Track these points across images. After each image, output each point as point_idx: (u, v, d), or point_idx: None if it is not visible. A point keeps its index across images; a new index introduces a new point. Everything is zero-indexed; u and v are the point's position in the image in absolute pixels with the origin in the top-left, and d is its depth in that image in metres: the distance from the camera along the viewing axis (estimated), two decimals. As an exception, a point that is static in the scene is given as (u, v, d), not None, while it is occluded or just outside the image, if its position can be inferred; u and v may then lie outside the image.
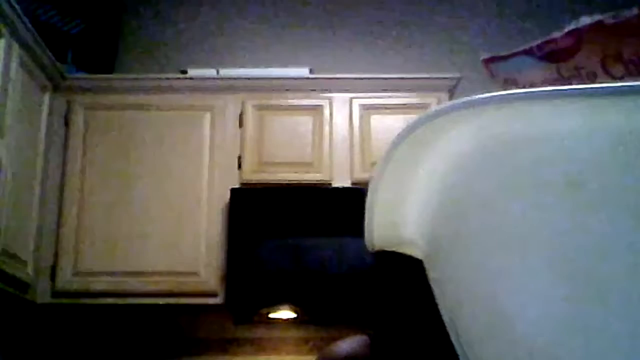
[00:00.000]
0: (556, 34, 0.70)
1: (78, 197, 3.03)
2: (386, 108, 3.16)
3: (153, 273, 2.95)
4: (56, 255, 2.97)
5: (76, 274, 2.96)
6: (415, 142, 0.60)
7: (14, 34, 2.68)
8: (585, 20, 0.69)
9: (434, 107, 0.74)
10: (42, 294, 2.93)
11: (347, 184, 3.07)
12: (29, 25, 2.77)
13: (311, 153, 3.12)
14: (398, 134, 0.61)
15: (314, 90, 3.22)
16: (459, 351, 0.63)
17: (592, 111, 0.54)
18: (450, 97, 3.18)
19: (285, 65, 3.45)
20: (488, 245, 0.59)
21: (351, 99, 3.19)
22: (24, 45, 2.77)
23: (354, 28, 3.72)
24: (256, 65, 3.48)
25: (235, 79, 3.23)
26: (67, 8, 3.34)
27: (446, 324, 0.64)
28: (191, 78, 3.27)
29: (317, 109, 3.18)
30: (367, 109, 3.18)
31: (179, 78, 3.29)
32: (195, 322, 3.21)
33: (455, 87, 3.20)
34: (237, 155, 3.11)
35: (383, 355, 1.20)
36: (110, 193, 3.04)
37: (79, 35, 3.37)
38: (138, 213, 3.01)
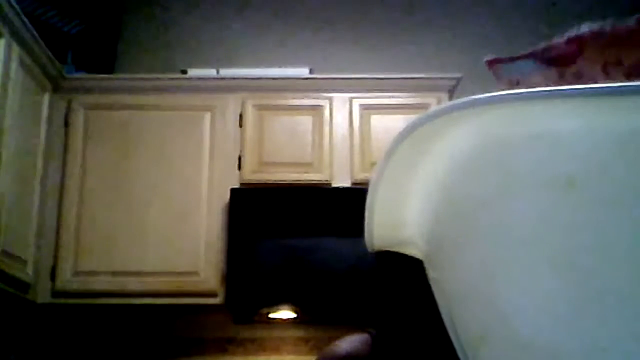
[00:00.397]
0: (558, 40, 0.71)
1: (78, 197, 3.03)
2: (386, 108, 3.16)
3: (153, 273, 2.96)
4: (56, 255, 2.97)
5: (76, 274, 2.96)
6: (415, 142, 0.60)
7: (14, 34, 2.68)
8: (586, 27, 0.70)
9: (434, 107, 0.75)
10: (42, 294, 2.93)
11: (347, 184, 3.07)
12: (29, 25, 2.77)
13: (311, 153, 3.12)
14: (398, 134, 0.61)
15: (314, 90, 3.22)
16: (459, 351, 0.63)
17: (592, 111, 0.54)
18: (450, 97, 3.18)
19: (285, 65, 3.45)
20: (488, 245, 0.59)
21: (351, 99, 3.19)
22: (24, 45, 2.77)
23: (354, 28, 3.72)
24: (256, 65, 3.48)
25: (235, 79, 3.23)
26: (67, 8, 3.34)
27: (446, 324, 0.64)
28: (191, 78, 3.27)
29: (317, 109, 3.18)
30: (367, 109, 3.18)
31: (179, 78, 3.29)
32: (195, 322, 3.21)
33: (455, 87, 3.20)
34: (237, 155, 3.11)
35: (383, 354, 1.20)
36: (110, 193, 3.04)
37: (78, 35, 3.37)
38: (138, 213, 3.01)
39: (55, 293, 2.94)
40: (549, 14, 3.72)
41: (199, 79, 3.26)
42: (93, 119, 3.13)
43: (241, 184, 3.07)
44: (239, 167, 3.10)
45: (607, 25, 0.69)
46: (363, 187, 0.69)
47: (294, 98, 3.20)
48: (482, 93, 0.57)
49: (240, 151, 3.11)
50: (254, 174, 3.09)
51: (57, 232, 2.99)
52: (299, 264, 2.90)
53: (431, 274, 0.66)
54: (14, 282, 2.70)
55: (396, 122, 2.96)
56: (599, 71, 0.66)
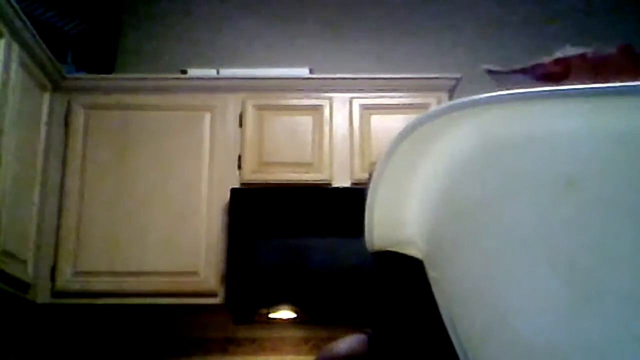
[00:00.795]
0: (546, 59, 0.73)
1: (78, 197, 3.03)
2: (386, 108, 3.16)
3: (153, 273, 2.95)
4: (56, 255, 2.97)
5: (76, 274, 2.96)
6: (415, 142, 0.60)
7: (14, 34, 2.68)
8: (570, 50, 0.71)
9: (434, 107, 0.75)
10: (42, 294, 2.93)
11: (347, 184, 3.07)
12: (29, 25, 2.77)
13: (311, 153, 3.12)
14: (398, 134, 0.61)
15: (314, 90, 3.22)
16: (459, 351, 0.63)
17: (592, 111, 0.54)
18: (450, 97, 3.18)
19: (285, 65, 3.45)
20: (488, 245, 0.59)
21: (351, 99, 3.19)
22: (24, 45, 2.77)
23: (354, 28, 3.72)
24: (256, 65, 3.48)
25: (235, 79, 3.23)
26: (67, 8, 3.34)
27: (446, 324, 0.64)
28: (191, 78, 3.27)
29: (317, 109, 3.18)
30: (367, 109, 3.18)
31: (179, 78, 3.29)
32: (195, 322, 3.21)
33: (455, 87, 3.20)
34: (237, 155, 3.11)
35: (381, 354, 1.21)
36: (110, 193, 3.04)
37: (78, 35, 3.37)
38: (138, 213, 3.01)
39: (55, 293, 2.94)
40: (550, 14, 3.72)
41: (199, 79, 3.26)
42: (93, 119, 3.13)
43: (241, 184, 3.07)
44: (239, 167, 3.10)
45: (590, 52, 0.71)
46: (363, 187, 0.69)
47: (294, 98, 3.20)
48: (482, 93, 0.57)
49: (240, 151, 3.11)
50: (254, 174, 3.09)
51: (57, 232, 2.99)
52: (299, 264, 2.90)
53: (431, 274, 0.66)
54: (14, 282, 2.70)
55: (396, 122, 2.96)
56: None
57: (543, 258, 0.56)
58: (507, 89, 0.72)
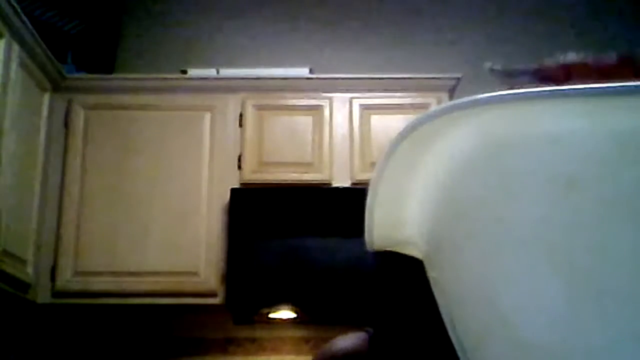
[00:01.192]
0: (548, 62, 0.73)
1: (78, 197, 3.03)
2: (386, 108, 3.16)
3: (153, 273, 2.96)
4: (56, 255, 2.97)
5: (76, 274, 2.96)
6: (415, 142, 0.60)
7: (14, 34, 2.68)
8: (572, 56, 0.72)
9: (434, 107, 0.75)
10: (42, 294, 2.93)
11: (347, 184, 3.07)
12: (29, 25, 2.77)
13: (311, 153, 3.12)
14: (398, 134, 0.61)
15: (314, 90, 3.22)
16: (459, 351, 0.63)
17: (592, 111, 0.54)
18: (450, 97, 3.18)
19: (285, 65, 3.45)
20: (488, 245, 0.59)
21: (351, 99, 3.19)
22: (24, 45, 2.77)
23: (354, 28, 3.72)
24: (256, 65, 3.48)
25: (235, 79, 3.23)
26: (67, 8, 3.34)
27: (446, 324, 0.64)
28: (191, 78, 3.27)
29: (317, 109, 3.18)
30: (367, 109, 3.18)
31: (179, 78, 3.29)
32: (195, 322, 3.21)
33: (455, 87, 3.20)
34: (237, 155, 3.11)
35: (381, 353, 1.20)
36: (110, 193, 3.04)
37: (78, 35, 3.37)
38: (138, 213, 3.01)
39: (55, 293, 2.94)
40: (550, 14, 3.72)
41: (199, 79, 3.26)
42: (93, 119, 3.13)
43: (241, 184, 3.07)
44: (239, 167, 3.10)
45: (590, 58, 0.71)
46: (363, 187, 0.69)
47: (294, 98, 3.20)
48: (482, 93, 0.57)
49: (240, 151, 3.11)
50: (254, 174, 3.09)
51: (57, 232, 2.99)
52: (299, 264, 2.90)
53: (431, 274, 0.66)
54: (14, 282, 2.70)
55: (396, 122, 2.96)
56: None
57: (543, 258, 0.56)
58: (509, 89, 0.73)
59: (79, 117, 3.13)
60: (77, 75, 3.22)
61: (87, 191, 3.04)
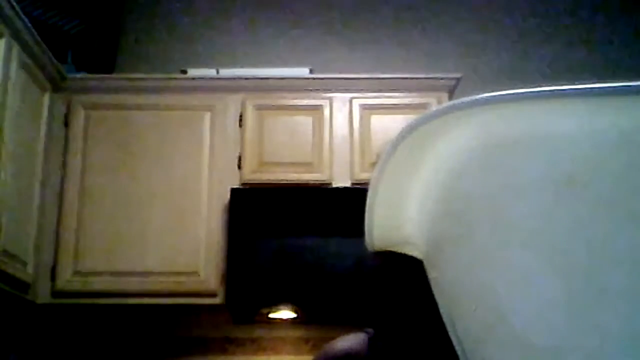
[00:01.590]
0: None
1: (78, 197, 3.03)
2: (386, 108, 3.16)
3: (153, 273, 2.95)
4: (56, 255, 2.97)
5: (76, 274, 2.96)
6: (415, 142, 0.60)
7: (14, 34, 2.68)
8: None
9: (434, 107, 0.75)
10: (42, 294, 2.93)
11: (347, 184, 3.07)
12: (29, 25, 2.77)
13: (311, 153, 3.12)
14: (398, 134, 0.61)
15: (314, 90, 3.22)
16: (458, 351, 0.63)
17: (592, 111, 0.54)
18: (450, 97, 3.18)
19: (285, 65, 3.45)
20: (488, 245, 0.59)
21: (351, 99, 3.19)
22: (24, 45, 2.76)
23: (354, 28, 3.72)
24: (256, 65, 3.48)
25: (235, 79, 3.23)
26: (67, 8, 3.34)
27: (446, 324, 0.64)
28: (191, 78, 3.27)
29: (317, 109, 3.18)
30: (367, 109, 3.18)
31: (179, 78, 3.28)
32: (195, 322, 3.21)
33: (455, 87, 3.20)
34: (237, 155, 3.11)
35: (381, 353, 1.20)
36: (110, 193, 3.04)
37: (78, 35, 3.37)
38: (138, 213, 3.01)
39: (55, 293, 2.94)
40: (550, 13, 3.72)
41: (199, 79, 3.25)
42: (93, 119, 3.13)
43: (241, 184, 3.07)
44: (239, 167, 3.10)
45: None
46: (363, 187, 0.69)
47: (294, 98, 3.20)
48: (482, 93, 0.57)
49: (240, 151, 3.11)
50: (254, 174, 3.09)
51: (57, 232, 2.99)
52: (299, 264, 2.90)
53: (431, 274, 0.66)
54: (14, 282, 2.70)
55: (396, 122, 2.96)
56: None
57: (542, 258, 0.56)
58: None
59: (79, 117, 3.13)
60: (77, 75, 3.22)
61: (87, 191, 3.04)
